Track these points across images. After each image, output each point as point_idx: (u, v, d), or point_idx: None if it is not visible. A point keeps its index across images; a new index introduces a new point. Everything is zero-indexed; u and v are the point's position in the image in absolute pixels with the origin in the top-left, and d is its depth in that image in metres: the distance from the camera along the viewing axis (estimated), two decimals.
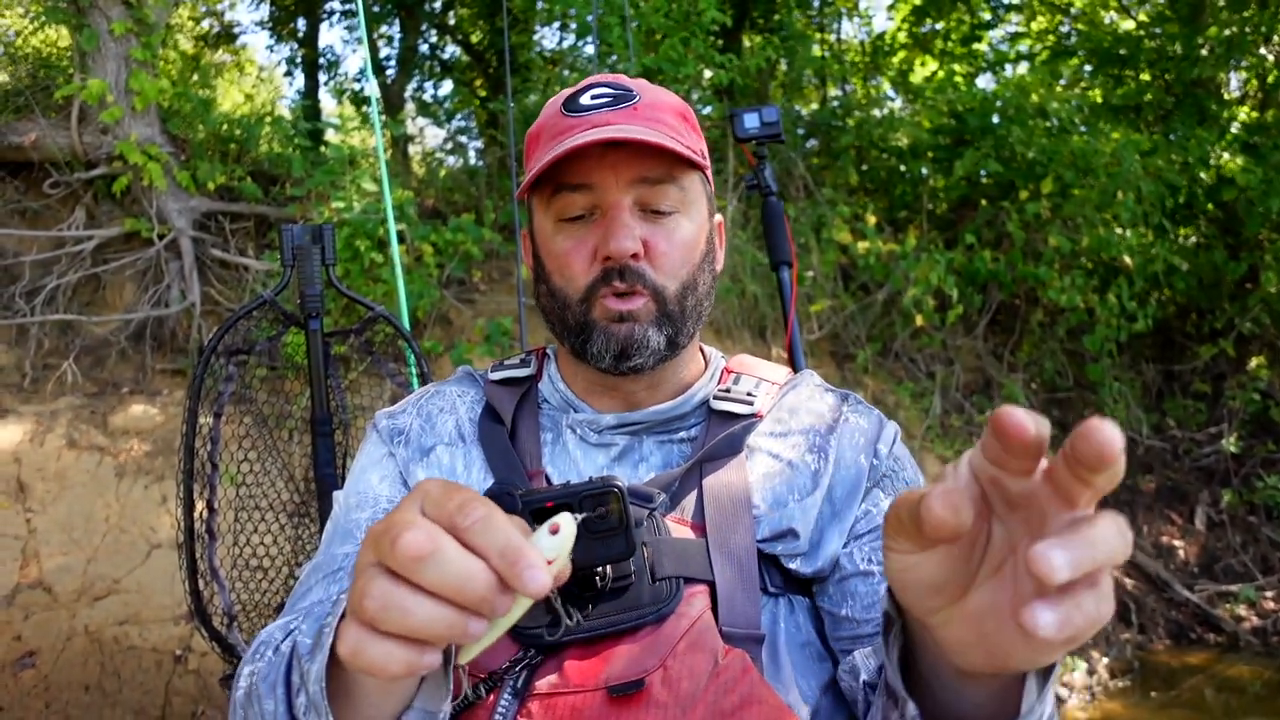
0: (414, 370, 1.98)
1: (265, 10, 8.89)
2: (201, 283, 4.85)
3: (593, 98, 0.92)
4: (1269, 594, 5.62)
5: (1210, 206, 6.97)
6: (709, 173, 0.98)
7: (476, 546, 0.52)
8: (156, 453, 4.19)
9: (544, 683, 0.76)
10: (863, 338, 6.17)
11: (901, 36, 8.47)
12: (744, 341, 5.59)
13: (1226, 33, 6.90)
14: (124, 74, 4.72)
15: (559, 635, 0.77)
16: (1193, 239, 7.12)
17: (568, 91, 0.95)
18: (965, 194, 6.75)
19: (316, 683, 0.64)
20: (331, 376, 1.85)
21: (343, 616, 0.58)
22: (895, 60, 8.60)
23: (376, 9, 8.28)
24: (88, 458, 4.08)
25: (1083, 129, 6.55)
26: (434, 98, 9.58)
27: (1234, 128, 6.96)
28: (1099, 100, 7.53)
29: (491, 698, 0.76)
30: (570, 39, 7.32)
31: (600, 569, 0.78)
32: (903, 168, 6.89)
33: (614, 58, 5.37)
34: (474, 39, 9.21)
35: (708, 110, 5.90)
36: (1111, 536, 0.45)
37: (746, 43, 7.37)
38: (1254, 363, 7.01)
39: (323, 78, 9.07)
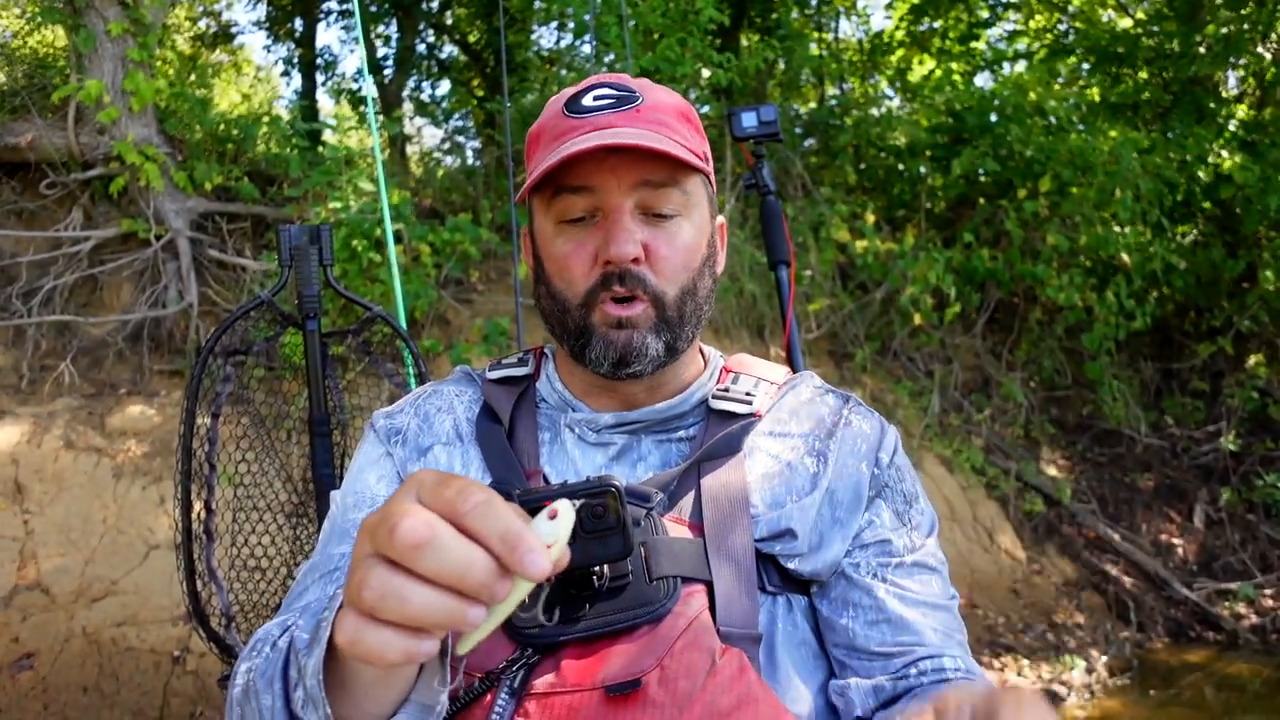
0: (412, 370, 1.97)
1: (262, 10, 8.90)
2: (199, 283, 4.85)
3: (595, 98, 0.91)
4: (1268, 592, 5.62)
5: (1208, 204, 6.98)
6: (712, 175, 0.98)
7: (477, 531, 0.52)
8: (154, 453, 4.19)
9: (541, 682, 0.76)
10: (861, 336, 6.17)
11: (899, 35, 8.47)
12: (742, 341, 5.59)
13: (1224, 31, 6.90)
14: (120, 74, 4.72)
15: (545, 627, 0.77)
16: (1191, 237, 7.12)
17: (570, 91, 0.94)
18: (963, 192, 6.76)
19: (314, 676, 0.64)
20: (329, 377, 1.85)
21: (340, 609, 0.58)
22: (893, 59, 8.61)
23: (373, 9, 8.27)
24: (85, 459, 4.08)
25: (1081, 127, 6.56)
26: (431, 97, 9.60)
27: (1232, 126, 6.96)
28: (1097, 98, 7.54)
29: (488, 697, 0.76)
30: (568, 38, 7.33)
31: (598, 568, 0.78)
32: (901, 166, 6.89)
33: (611, 57, 5.37)
34: (471, 39, 9.21)
35: (705, 110, 5.90)
36: None
37: (744, 42, 7.37)
38: (1252, 360, 7.02)
39: (320, 78, 9.08)
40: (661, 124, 0.90)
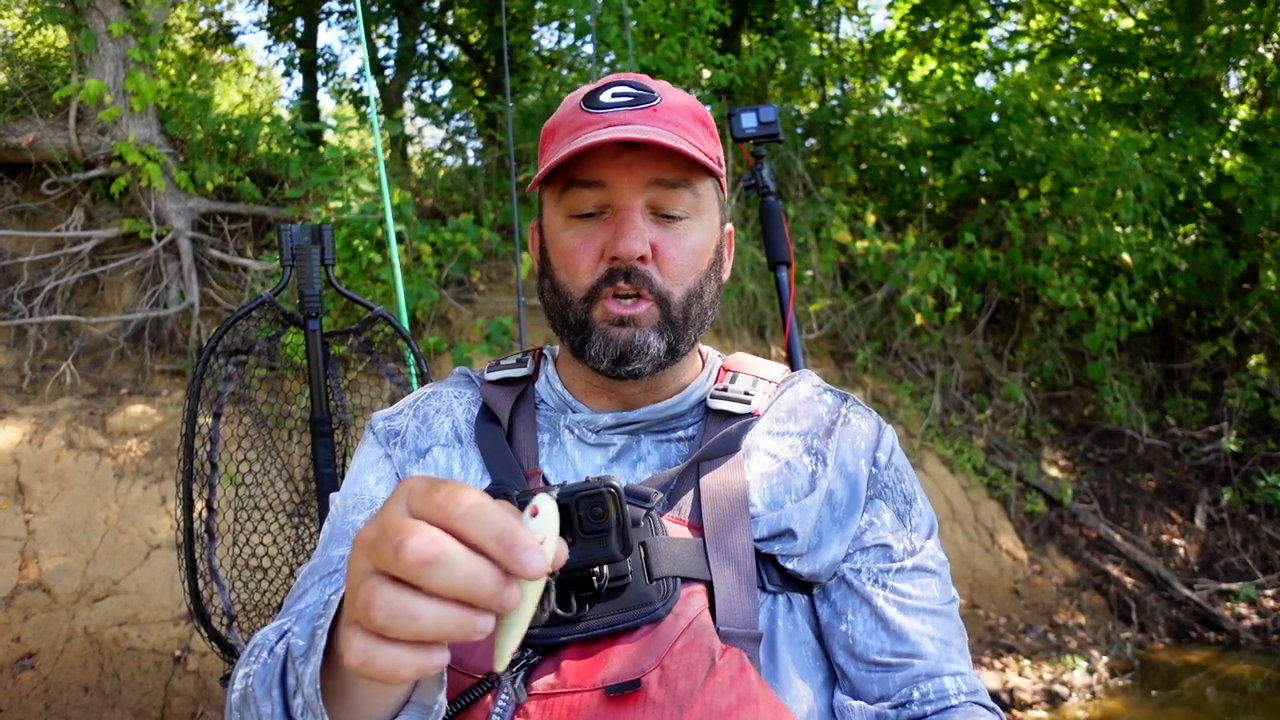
0: (413, 370, 1.97)
1: (263, 10, 8.91)
2: (200, 283, 4.85)
3: (613, 95, 0.91)
4: (1269, 592, 5.62)
5: (1209, 205, 6.98)
6: (724, 180, 0.97)
7: (472, 535, 0.52)
8: (155, 453, 4.19)
9: (541, 683, 0.76)
10: (862, 337, 6.17)
11: (900, 35, 8.47)
12: (743, 341, 5.59)
13: (1225, 31, 6.90)
14: (122, 74, 4.72)
15: (551, 622, 0.77)
16: (1192, 237, 7.12)
17: (588, 87, 0.94)
18: (964, 193, 6.75)
19: (311, 685, 0.64)
20: (331, 376, 1.85)
21: (336, 618, 0.58)
22: (894, 59, 8.61)
23: (375, 9, 8.28)
24: (87, 459, 4.08)
25: (1082, 127, 6.56)
26: (432, 98, 9.60)
27: (1233, 126, 6.95)
28: (1098, 99, 7.54)
29: (488, 698, 0.76)
30: (569, 39, 7.33)
31: (597, 569, 0.78)
32: (902, 167, 6.89)
33: (612, 57, 5.37)
34: (472, 39, 9.21)
35: (706, 110, 5.90)
36: None
37: (745, 42, 7.37)
38: (1254, 361, 7.02)
39: (321, 78, 9.10)
40: (677, 125, 0.90)
